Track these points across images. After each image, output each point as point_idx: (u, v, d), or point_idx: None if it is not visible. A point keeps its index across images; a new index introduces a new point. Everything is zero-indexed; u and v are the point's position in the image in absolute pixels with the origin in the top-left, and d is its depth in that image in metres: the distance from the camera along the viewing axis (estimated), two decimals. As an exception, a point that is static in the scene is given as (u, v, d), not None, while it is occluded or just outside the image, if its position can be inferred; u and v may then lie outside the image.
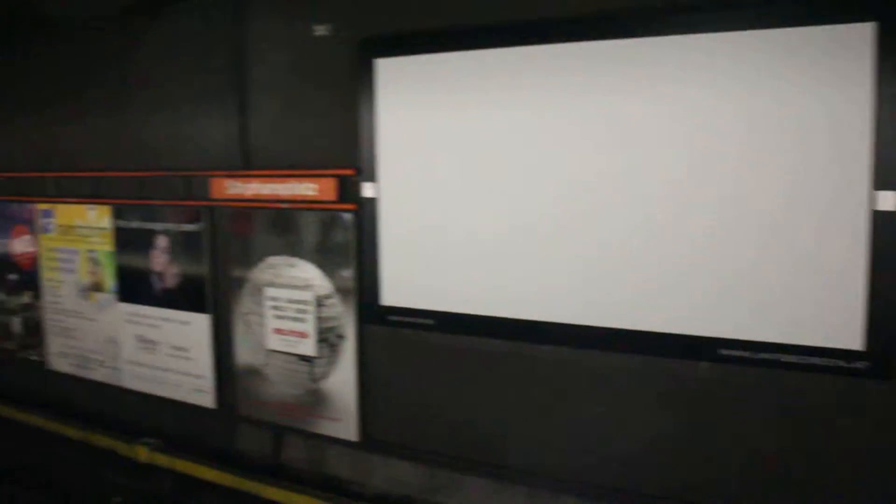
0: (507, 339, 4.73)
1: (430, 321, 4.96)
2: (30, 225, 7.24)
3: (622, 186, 4.18)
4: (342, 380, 5.40)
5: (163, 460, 6.19)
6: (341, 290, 5.30)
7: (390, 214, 5.00)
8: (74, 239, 6.83)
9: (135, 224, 6.35)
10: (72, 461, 6.94)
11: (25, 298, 7.46)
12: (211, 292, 5.99)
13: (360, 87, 4.99)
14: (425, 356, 5.10)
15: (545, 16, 4.34)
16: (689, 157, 3.98)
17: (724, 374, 4.10)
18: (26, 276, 7.40)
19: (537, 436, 4.75)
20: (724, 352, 4.05)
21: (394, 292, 5.07)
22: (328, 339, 5.41)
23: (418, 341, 5.07)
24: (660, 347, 4.21)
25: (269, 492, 5.62)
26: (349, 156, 5.14)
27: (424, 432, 5.19)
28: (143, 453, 6.26)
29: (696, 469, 4.28)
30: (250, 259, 5.69)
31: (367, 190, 5.08)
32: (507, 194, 4.54)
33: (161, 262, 6.23)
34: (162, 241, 6.19)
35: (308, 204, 5.36)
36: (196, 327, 6.10)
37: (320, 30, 5.27)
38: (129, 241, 6.44)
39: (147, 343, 6.45)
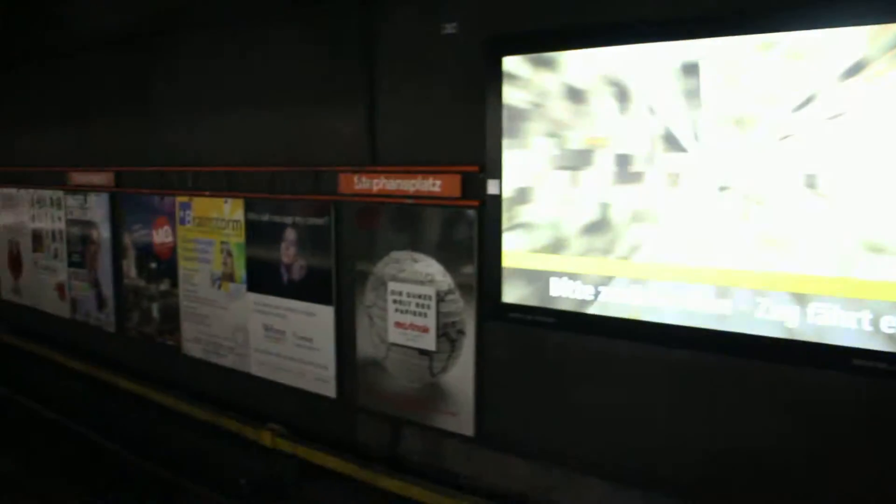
0: (629, 341, 4.63)
1: (550, 319, 4.91)
2: (170, 216, 7.64)
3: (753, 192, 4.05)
4: (461, 375, 5.44)
5: (286, 446, 6.40)
6: (462, 286, 5.34)
7: (514, 211, 4.98)
8: (210, 230, 7.17)
9: (265, 217, 6.60)
10: (202, 442, 7.27)
11: (164, 286, 7.88)
12: (336, 285, 6.16)
13: (486, 84, 5.00)
14: (545, 354, 5.07)
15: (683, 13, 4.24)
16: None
17: (857, 386, 3.90)
18: (165, 265, 7.82)
19: (655, 440, 4.65)
20: (858, 362, 3.85)
21: (514, 289, 5.06)
22: (448, 334, 5.46)
23: (538, 339, 5.04)
24: (791, 355, 4.04)
25: (386, 482, 5.72)
26: (474, 153, 5.16)
27: (541, 430, 5.16)
28: (267, 438, 6.49)
29: (818, 484, 4.09)
30: (375, 253, 5.82)
31: (491, 187, 5.08)
32: (633, 196, 4.47)
33: (289, 254, 6.45)
34: (290, 234, 6.41)
35: (432, 200, 5.43)
36: (321, 318, 6.28)
37: (448, 28, 5.33)
38: (259, 234, 6.71)
39: (274, 332, 6.68)
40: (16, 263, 10.43)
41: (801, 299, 3.96)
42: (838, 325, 3.87)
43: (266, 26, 6.54)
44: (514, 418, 5.29)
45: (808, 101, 3.82)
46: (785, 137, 3.90)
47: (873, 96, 3.64)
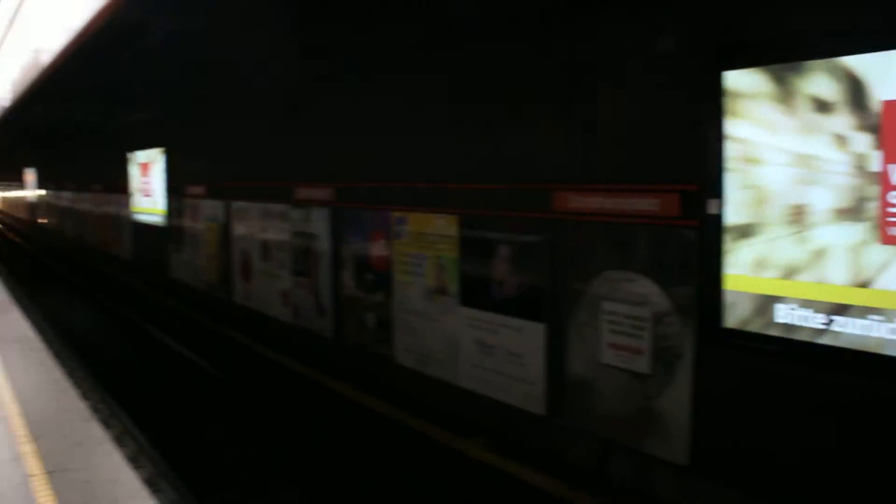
0: (867, 377, 4.26)
1: (776, 347, 4.63)
2: (386, 231, 7.99)
3: None
4: (675, 400, 5.25)
5: (492, 459, 6.45)
6: (680, 309, 5.16)
7: (736, 232, 4.76)
8: (424, 245, 7.42)
9: (479, 234, 6.73)
10: (411, 448, 7.49)
11: (379, 297, 8.24)
12: (548, 302, 6.16)
13: (706, 100, 4.83)
14: (769, 384, 4.79)
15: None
16: None
17: None
18: (380, 277, 8.18)
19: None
20: None
21: (737, 315, 4.82)
22: (664, 357, 5.30)
23: (763, 368, 4.77)
24: None
25: (594, 504, 5.63)
26: (693, 171, 5.01)
27: (762, 464, 4.88)
28: (475, 450, 6.57)
29: None
30: (588, 272, 5.76)
31: (712, 206, 4.89)
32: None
33: (502, 270, 6.53)
34: (504, 251, 6.49)
35: (649, 219, 5.31)
36: (531, 335, 6.30)
37: (664, 42, 5.21)
38: (473, 250, 6.85)
39: (484, 346, 6.79)
40: (246, 271, 11.33)
41: None
42: None
43: (477, 43, 6.70)
44: (733, 449, 5.03)
45: None
46: None
47: None
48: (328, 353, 9.36)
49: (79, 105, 11.98)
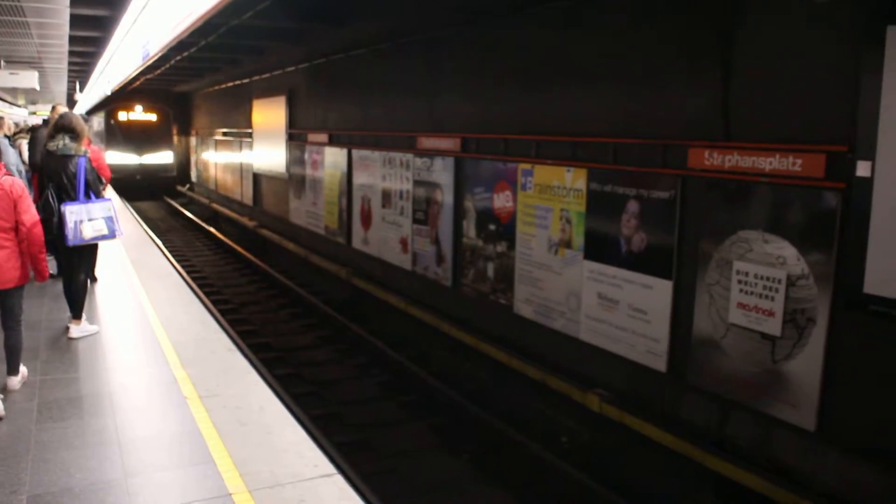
0: None
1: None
2: (511, 182, 8.04)
3: None
4: (806, 364, 5.18)
5: (612, 412, 6.51)
6: (817, 272, 5.06)
7: (886, 197, 4.60)
8: (550, 198, 7.44)
9: (608, 188, 6.71)
10: (527, 397, 7.66)
11: (500, 248, 8.34)
12: (677, 259, 6.12)
13: (864, 56, 4.65)
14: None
15: None
16: None
17: None
18: (503, 228, 8.27)
19: None
20: None
21: (880, 281, 4.69)
22: (796, 320, 5.21)
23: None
24: None
25: (713, 462, 5.62)
26: (841, 131, 4.85)
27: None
28: (594, 402, 6.64)
29: None
30: (722, 230, 5.69)
31: (861, 168, 4.74)
32: None
33: (630, 225, 6.50)
34: (633, 206, 6.45)
35: (790, 179, 5.19)
36: (657, 292, 6.28)
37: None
38: (600, 204, 6.83)
39: (607, 301, 6.81)
40: (366, 217, 11.64)
41: None
42: None
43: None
44: (866, 418, 4.93)
45: None
46: None
47: None
48: (445, 300, 9.56)
49: (209, 50, 12.41)
